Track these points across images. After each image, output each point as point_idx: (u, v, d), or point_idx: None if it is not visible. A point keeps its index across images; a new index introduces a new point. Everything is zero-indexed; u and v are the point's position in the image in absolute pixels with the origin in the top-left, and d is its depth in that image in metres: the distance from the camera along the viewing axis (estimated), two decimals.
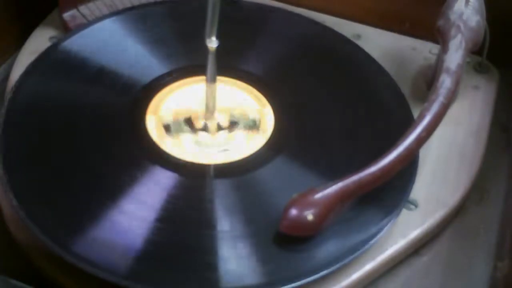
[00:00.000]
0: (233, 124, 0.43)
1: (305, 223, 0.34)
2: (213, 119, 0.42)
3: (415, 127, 0.38)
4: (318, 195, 0.35)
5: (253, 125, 0.43)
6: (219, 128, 0.42)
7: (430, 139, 0.39)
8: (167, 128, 0.41)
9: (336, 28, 0.50)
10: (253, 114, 0.43)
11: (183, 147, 0.41)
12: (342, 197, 0.35)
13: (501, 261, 0.40)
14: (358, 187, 0.36)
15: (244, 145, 0.41)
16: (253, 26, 0.50)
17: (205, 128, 0.42)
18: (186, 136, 0.42)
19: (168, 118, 0.42)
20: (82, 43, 0.46)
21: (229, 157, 0.40)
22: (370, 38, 0.51)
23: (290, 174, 0.40)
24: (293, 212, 0.34)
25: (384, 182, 0.36)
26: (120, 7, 0.51)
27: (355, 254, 0.35)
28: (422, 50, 0.51)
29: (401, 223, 0.38)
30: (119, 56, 0.46)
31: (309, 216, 0.34)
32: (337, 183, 0.35)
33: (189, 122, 0.42)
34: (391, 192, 0.38)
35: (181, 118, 0.43)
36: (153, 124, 0.42)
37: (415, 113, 0.41)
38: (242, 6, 0.52)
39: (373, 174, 0.36)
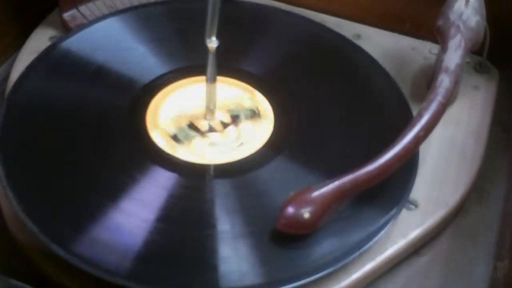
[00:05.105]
0: (235, 118, 0.43)
1: (302, 221, 0.34)
2: (214, 118, 0.43)
3: (413, 127, 0.38)
4: (315, 193, 0.35)
5: (254, 114, 0.43)
6: (224, 125, 0.43)
7: (430, 139, 0.39)
8: (175, 138, 0.41)
9: (336, 28, 0.50)
10: (248, 104, 0.44)
11: (198, 152, 0.41)
12: (339, 196, 0.35)
13: (501, 261, 0.40)
14: (355, 185, 0.36)
15: (255, 134, 0.42)
16: (253, 26, 0.50)
17: (211, 129, 0.42)
18: (197, 141, 0.42)
19: (172, 126, 0.42)
20: (82, 43, 0.46)
21: (247, 151, 0.41)
22: (370, 38, 0.52)
23: (290, 174, 0.40)
24: (290, 210, 0.34)
25: (381, 180, 0.36)
26: (120, 7, 0.51)
27: (355, 254, 0.35)
28: (422, 50, 0.51)
29: (401, 223, 0.38)
30: (119, 56, 0.46)
31: (306, 214, 0.34)
32: (333, 181, 0.35)
33: (193, 126, 0.43)
34: (391, 192, 0.38)
35: (184, 122, 0.43)
36: (153, 124, 0.42)
37: (415, 113, 0.41)
38: (241, 5, 0.52)
39: (370, 172, 0.36)
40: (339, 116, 0.44)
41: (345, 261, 0.35)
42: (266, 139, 0.42)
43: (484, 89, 0.48)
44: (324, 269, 0.34)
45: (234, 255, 0.35)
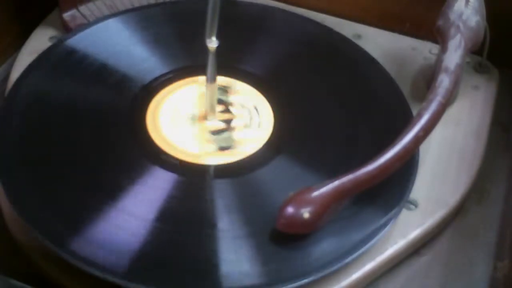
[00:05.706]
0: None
1: (301, 221, 0.34)
2: (214, 118, 0.43)
3: (412, 127, 0.38)
4: (315, 193, 0.35)
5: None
6: (223, 123, 0.43)
7: (430, 139, 0.39)
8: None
9: (336, 28, 0.50)
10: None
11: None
12: (338, 196, 0.35)
13: (501, 261, 0.40)
14: (355, 185, 0.36)
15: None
16: (253, 26, 0.50)
17: (211, 127, 0.42)
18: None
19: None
20: (82, 43, 0.46)
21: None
22: (370, 38, 0.52)
23: (290, 174, 0.40)
24: (289, 210, 0.34)
25: (381, 180, 0.36)
26: (120, 7, 0.51)
27: (355, 254, 0.35)
28: (422, 50, 0.51)
29: (401, 223, 0.38)
30: (119, 56, 0.46)
31: (305, 214, 0.34)
32: (333, 181, 0.35)
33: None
34: (391, 192, 0.38)
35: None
36: (153, 124, 0.42)
37: (415, 113, 0.41)
38: (241, 5, 0.52)
39: (369, 172, 0.36)
40: (339, 116, 0.44)
41: (345, 261, 0.35)
42: (266, 139, 0.42)
43: (484, 89, 0.48)
44: (324, 269, 0.34)
45: (234, 255, 0.35)
